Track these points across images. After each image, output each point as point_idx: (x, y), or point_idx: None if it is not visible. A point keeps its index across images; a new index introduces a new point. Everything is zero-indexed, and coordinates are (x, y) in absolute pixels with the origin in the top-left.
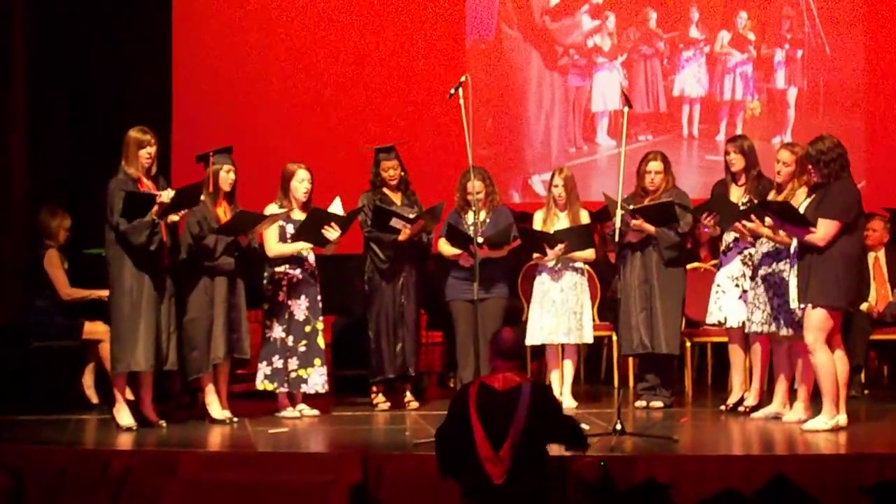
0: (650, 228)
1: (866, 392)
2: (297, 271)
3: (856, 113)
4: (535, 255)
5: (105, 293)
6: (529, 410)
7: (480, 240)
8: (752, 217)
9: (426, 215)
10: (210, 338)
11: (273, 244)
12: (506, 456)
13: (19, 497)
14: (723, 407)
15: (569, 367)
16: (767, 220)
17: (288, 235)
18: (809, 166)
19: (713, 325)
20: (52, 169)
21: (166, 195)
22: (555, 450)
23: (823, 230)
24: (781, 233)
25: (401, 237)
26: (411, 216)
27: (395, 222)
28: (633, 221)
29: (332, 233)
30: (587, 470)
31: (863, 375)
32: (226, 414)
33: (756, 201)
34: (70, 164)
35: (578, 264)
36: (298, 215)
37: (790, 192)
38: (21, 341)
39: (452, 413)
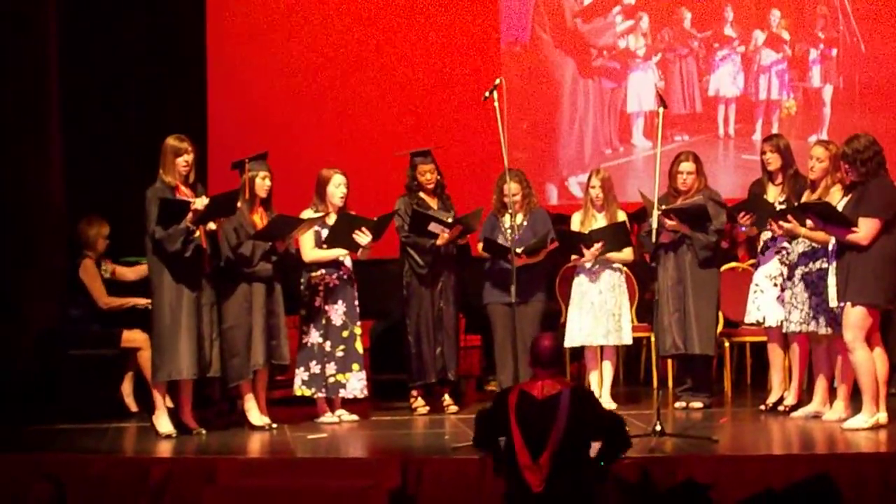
0: (685, 229)
1: None
2: (334, 276)
3: (892, 110)
4: (573, 256)
5: (141, 301)
6: (569, 418)
7: (519, 249)
8: (789, 217)
9: (465, 220)
10: (250, 345)
11: (309, 250)
12: (545, 464)
13: None
14: (762, 406)
15: (608, 368)
16: (809, 222)
17: (323, 240)
18: (846, 165)
19: (752, 324)
20: (89, 178)
21: (200, 202)
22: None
23: (866, 229)
24: (820, 233)
25: (439, 242)
26: (449, 220)
27: (433, 227)
28: (669, 222)
29: (362, 237)
30: (628, 471)
31: None
32: (265, 420)
33: (793, 200)
34: (107, 172)
35: (616, 265)
36: (334, 220)
37: (824, 189)
38: (60, 350)
39: (494, 413)
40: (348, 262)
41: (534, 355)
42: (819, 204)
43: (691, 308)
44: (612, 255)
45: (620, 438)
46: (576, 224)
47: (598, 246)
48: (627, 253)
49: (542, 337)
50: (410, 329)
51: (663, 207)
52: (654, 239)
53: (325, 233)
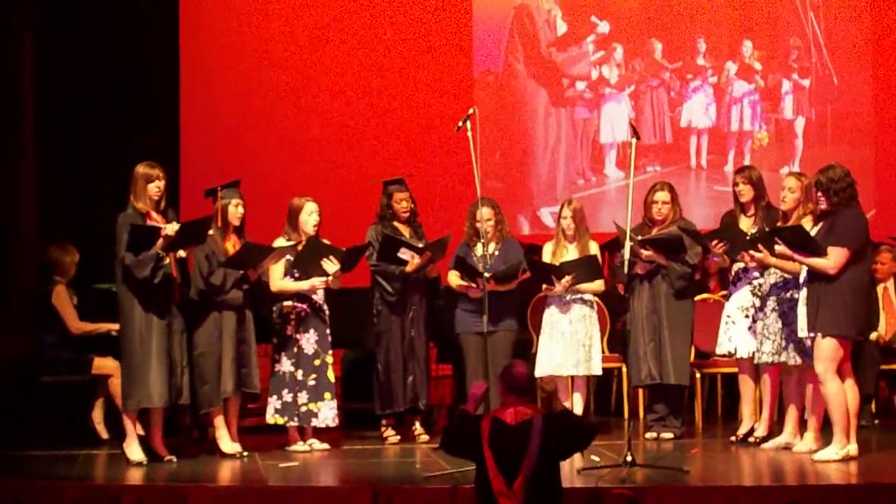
0: (662, 259)
1: (876, 422)
2: (306, 305)
3: (864, 142)
4: (544, 286)
5: (114, 326)
6: (542, 443)
7: (488, 274)
8: (760, 247)
9: (433, 247)
10: (220, 372)
11: (277, 279)
12: (519, 490)
13: None
14: (733, 438)
15: (578, 399)
16: (778, 248)
17: (295, 270)
18: (819, 194)
19: (723, 355)
20: (60, 205)
21: (171, 228)
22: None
23: (834, 258)
24: (789, 263)
25: (408, 268)
26: (420, 246)
27: (403, 252)
28: (645, 252)
29: (330, 266)
30: (616, 502)
31: (873, 405)
32: (236, 448)
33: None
34: (79, 199)
35: (587, 296)
36: (303, 245)
37: (796, 220)
38: (31, 376)
39: (463, 433)
40: (321, 291)
41: (507, 382)
42: (789, 228)
43: (666, 338)
44: (583, 285)
45: (585, 436)
46: (547, 254)
47: (568, 278)
48: (598, 284)
49: (516, 364)
50: (380, 358)
51: (639, 238)
52: (626, 269)
53: None
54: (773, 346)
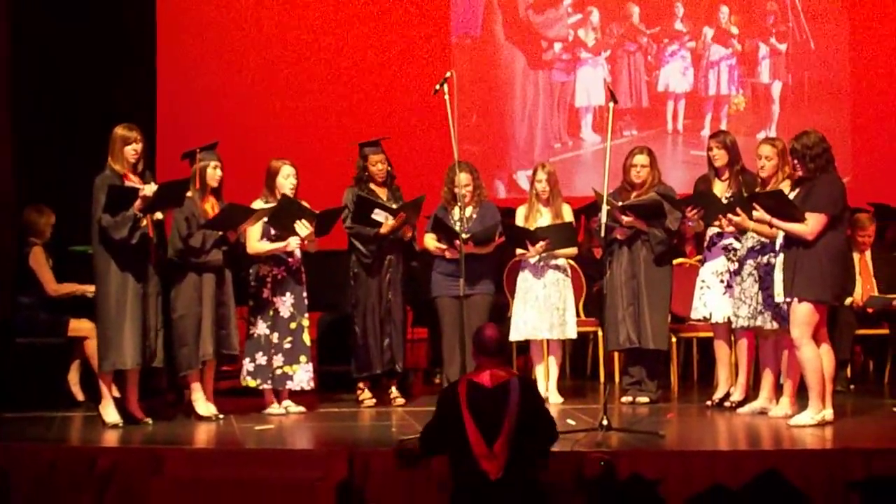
0: (642, 225)
1: (852, 387)
2: (282, 268)
3: (840, 107)
4: (518, 250)
5: (91, 288)
6: (520, 405)
7: (466, 235)
8: (738, 210)
9: (407, 207)
10: (199, 335)
11: (254, 241)
12: (500, 451)
13: (5, 495)
14: (709, 402)
15: (553, 362)
16: (756, 213)
17: (272, 232)
18: (795, 161)
19: (698, 320)
20: (37, 167)
21: (149, 189)
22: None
23: (812, 224)
24: (766, 227)
25: (382, 230)
26: (394, 207)
27: (377, 213)
28: (625, 219)
29: (302, 228)
30: (588, 465)
31: (848, 370)
32: (212, 410)
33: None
34: (55, 162)
35: (561, 261)
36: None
37: (774, 185)
38: (6, 338)
39: (441, 413)
40: (298, 253)
41: (479, 345)
42: (771, 193)
43: (645, 303)
44: (557, 251)
45: (553, 432)
46: (520, 217)
47: (542, 243)
48: (572, 250)
49: (485, 327)
50: (357, 320)
51: (620, 204)
52: (603, 233)
53: None
54: (748, 311)
